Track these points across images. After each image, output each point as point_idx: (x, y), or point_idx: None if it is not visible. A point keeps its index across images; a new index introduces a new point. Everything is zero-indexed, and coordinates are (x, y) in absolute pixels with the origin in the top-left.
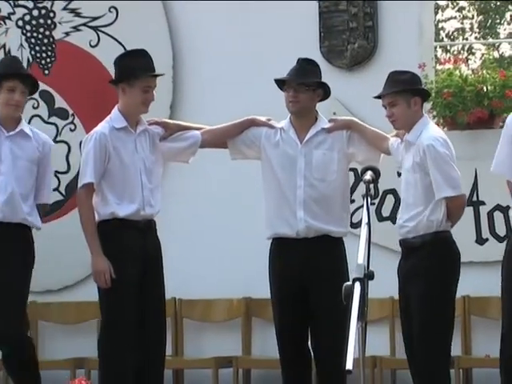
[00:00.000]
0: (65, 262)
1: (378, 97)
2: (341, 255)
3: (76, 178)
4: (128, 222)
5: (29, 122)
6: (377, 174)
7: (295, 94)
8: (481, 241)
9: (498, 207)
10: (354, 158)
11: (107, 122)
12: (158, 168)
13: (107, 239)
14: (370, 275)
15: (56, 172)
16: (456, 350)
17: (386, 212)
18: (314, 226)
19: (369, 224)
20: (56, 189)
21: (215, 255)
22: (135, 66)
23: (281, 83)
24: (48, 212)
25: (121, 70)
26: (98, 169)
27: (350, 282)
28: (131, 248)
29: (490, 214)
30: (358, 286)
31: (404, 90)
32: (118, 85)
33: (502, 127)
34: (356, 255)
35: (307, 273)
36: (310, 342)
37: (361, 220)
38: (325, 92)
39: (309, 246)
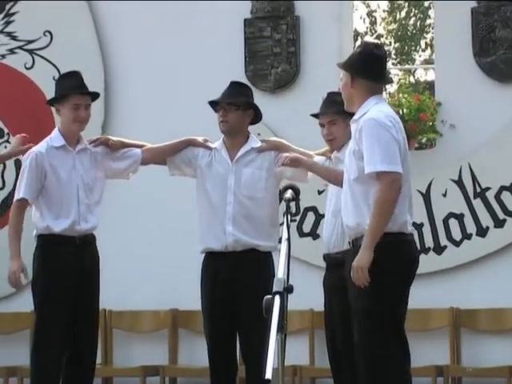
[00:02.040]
0: (0, 275)
1: (316, 115)
2: (268, 268)
3: (10, 194)
4: (63, 238)
5: None
6: (297, 192)
7: (225, 114)
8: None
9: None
10: (283, 175)
11: (46, 141)
12: (99, 184)
13: (43, 253)
14: (289, 289)
15: None
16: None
17: (306, 228)
18: (242, 240)
19: (289, 240)
20: None
21: (145, 268)
22: (65, 86)
23: (213, 105)
24: None
25: (55, 91)
26: (32, 185)
27: (270, 296)
28: (65, 262)
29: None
30: (277, 299)
31: (343, 111)
32: (54, 106)
33: (416, 149)
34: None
35: (234, 285)
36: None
37: (281, 237)
38: (255, 113)
39: (236, 260)
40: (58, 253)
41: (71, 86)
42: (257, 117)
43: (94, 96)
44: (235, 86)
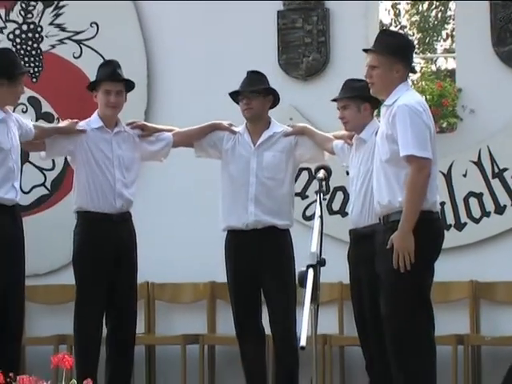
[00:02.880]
0: (50, 250)
1: (335, 100)
2: (287, 244)
3: (60, 175)
4: (101, 214)
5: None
6: (328, 172)
7: (248, 102)
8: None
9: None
10: (302, 157)
11: (86, 122)
12: (136, 165)
13: (82, 229)
14: (321, 262)
15: (42, 169)
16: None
17: (336, 206)
18: (263, 219)
19: (321, 217)
20: (42, 184)
21: (184, 244)
22: (100, 75)
23: (235, 95)
24: (35, 205)
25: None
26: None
27: (304, 268)
28: (103, 238)
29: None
30: (311, 271)
31: (355, 96)
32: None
33: (438, 133)
34: (309, 245)
35: (257, 260)
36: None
37: (314, 213)
38: (274, 98)
39: (258, 237)
40: (97, 229)
41: (105, 73)
42: (275, 101)
43: (129, 84)
44: (253, 74)
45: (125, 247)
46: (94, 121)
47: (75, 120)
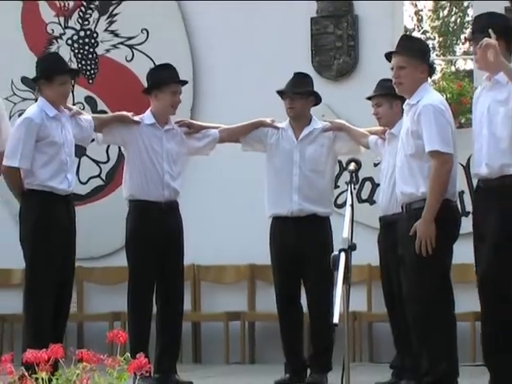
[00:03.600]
0: (105, 235)
1: (369, 98)
2: (327, 230)
3: (114, 167)
4: (151, 203)
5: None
6: (359, 164)
7: (291, 102)
8: None
9: None
10: (340, 150)
11: (140, 118)
12: (182, 158)
13: (134, 217)
14: (352, 247)
15: (98, 162)
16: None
17: (364, 195)
18: (306, 207)
19: (352, 205)
20: (98, 175)
21: (227, 230)
22: (165, 75)
23: (281, 93)
24: (92, 194)
25: (153, 80)
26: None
27: (337, 252)
28: (153, 225)
29: None
30: (343, 255)
31: (388, 94)
32: (150, 92)
33: (458, 128)
34: (341, 231)
35: (300, 245)
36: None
37: (345, 202)
38: (316, 98)
39: (301, 224)
40: (147, 216)
41: (169, 75)
42: (317, 100)
43: (183, 84)
44: (298, 76)
45: (173, 232)
46: (147, 117)
47: (131, 113)
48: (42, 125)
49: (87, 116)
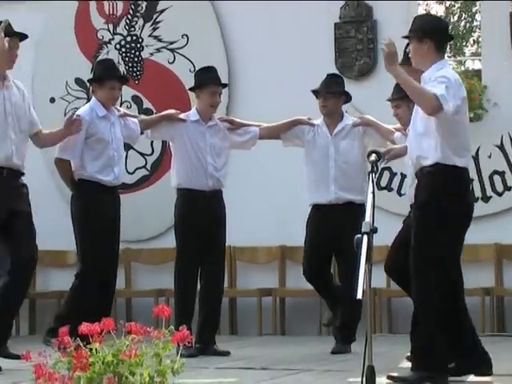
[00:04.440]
0: (151, 219)
1: (389, 100)
2: (362, 216)
3: (158, 159)
4: (197, 191)
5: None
6: (379, 155)
7: (325, 101)
8: None
9: None
10: (368, 145)
11: (185, 115)
12: (225, 152)
13: (181, 203)
14: (374, 230)
15: (143, 154)
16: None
17: (383, 183)
18: (342, 196)
19: (373, 193)
20: (144, 166)
21: (260, 215)
22: (205, 77)
23: (315, 92)
24: (138, 183)
25: (196, 80)
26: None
27: (359, 235)
28: (198, 210)
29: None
30: (365, 238)
31: (405, 96)
32: (194, 91)
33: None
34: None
35: (336, 228)
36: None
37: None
38: (347, 97)
39: (338, 211)
40: (193, 203)
41: (210, 77)
42: (348, 98)
43: (224, 86)
44: (331, 77)
45: (216, 218)
46: (192, 114)
47: (178, 111)
48: (91, 123)
49: (134, 119)
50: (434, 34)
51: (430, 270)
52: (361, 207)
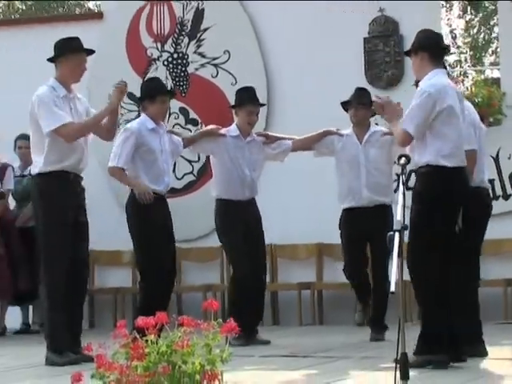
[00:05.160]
0: (198, 221)
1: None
2: (391, 216)
3: (203, 165)
4: (233, 202)
5: (173, 127)
6: (408, 159)
7: (356, 111)
8: None
9: None
10: (396, 154)
11: (225, 131)
12: (260, 164)
13: (221, 211)
14: (405, 227)
15: (191, 161)
16: None
17: (411, 184)
18: (374, 199)
19: (404, 193)
20: (191, 172)
21: (298, 215)
22: (243, 97)
23: (345, 104)
24: (186, 188)
25: (236, 99)
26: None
27: (391, 232)
28: (236, 217)
29: None
30: (397, 235)
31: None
32: (234, 109)
33: (488, 126)
34: (394, 214)
35: (369, 227)
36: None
37: (396, 190)
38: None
39: (370, 212)
40: (231, 212)
41: (248, 97)
42: (374, 112)
43: (261, 105)
44: (360, 90)
45: (253, 221)
46: (232, 130)
47: (219, 126)
48: (139, 135)
49: (178, 137)
50: (427, 47)
51: (416, 257)
52: (389, 208)
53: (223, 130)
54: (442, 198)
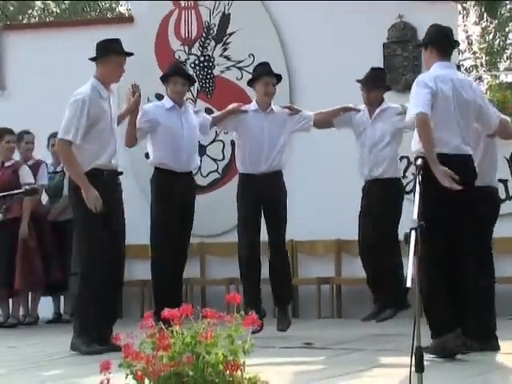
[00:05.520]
0: (221, 217)
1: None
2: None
3: (228, 164)
4: (251, 175)
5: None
6: (424, 160)
7: (367, 93)
8: None
9: None
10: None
11: (247, 106)
12: (284, 137)
13: (238, 186)
14: (421, 226)
15: (215, 160)
16: None
17: None
18: (372, 174)
19: (420, 193)
20: (216, 170)
21: (318, 210)
22: (259, 70)
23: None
24: (211, 185)
25: (252, 74)
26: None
27: (408, 231)
28: (254, 191)
29: None
30: (413, 233)
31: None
32: (252, 86)
33: None
34: (411, 213)
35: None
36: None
37: (413, 189)
38: (387, 88)
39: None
40: (249, 184)
41: (263, 69)
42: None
43: (279, 78)
44: (373, 71)
45: (271, 196)
46: (252, 105)
47: (241, 103)
48: (155, 114)
49: (208, 116)
50: (435, 42)
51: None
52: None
53: (245, 107)
54: (433, 182)
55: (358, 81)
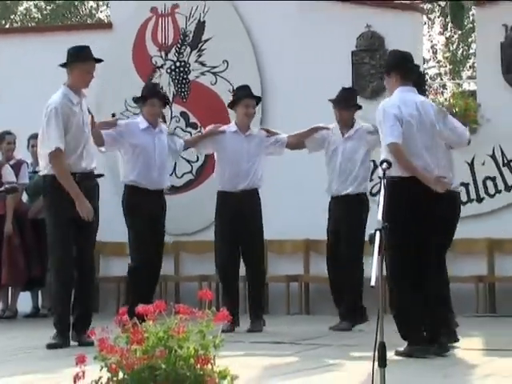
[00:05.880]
0: (195, 216)
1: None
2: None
3: (202, 165)
4: (227, 193)
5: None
6: (389, 164)
7: (340, 113)
8: None
9: None
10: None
11: (225, 128)
12: (259, 157)
13: (217, 204)
14: (385, 227)
15: (189, 161)
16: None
17: None
18: (341, 190)
19: (384, 195)
20: (190, 172)
21: (286, 212)
22: (240, 93)
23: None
24: (185, 186)
25: (233, 97)
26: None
27: (373, 231)
28: (230, 208)
29: None
30: (378, 233)
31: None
32: (232, 107)
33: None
34: (376, 214)
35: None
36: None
37: (378, 192)
38: (359, 107)
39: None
40: (225, 202)
41: (244, 93)
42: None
43: (258, 100)
44: (344, 92)
45: (249, 215)
46: (232, 126)
47: (218, 124)
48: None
49: (180, 140)
50: (396, 68)
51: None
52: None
53: (223, 127)
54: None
55: (331, 100)
